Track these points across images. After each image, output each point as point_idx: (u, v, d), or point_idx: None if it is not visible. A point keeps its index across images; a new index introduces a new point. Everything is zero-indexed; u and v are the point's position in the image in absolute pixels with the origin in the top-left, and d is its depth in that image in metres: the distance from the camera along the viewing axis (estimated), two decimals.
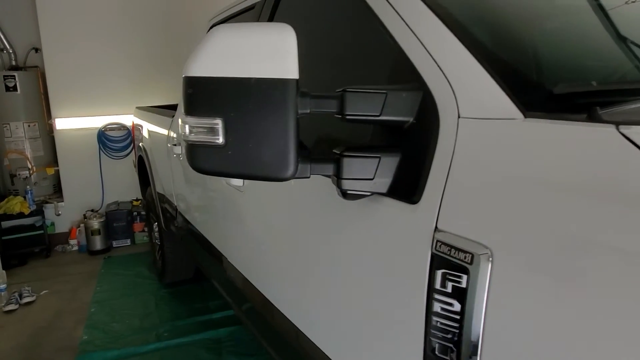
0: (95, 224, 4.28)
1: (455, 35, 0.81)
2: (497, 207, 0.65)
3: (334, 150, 0.83)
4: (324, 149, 1.12)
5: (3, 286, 3.33)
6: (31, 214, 4.16)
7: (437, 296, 0.72)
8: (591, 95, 0.78)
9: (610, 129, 0.57)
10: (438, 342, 0.73)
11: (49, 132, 4.60)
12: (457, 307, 0.69)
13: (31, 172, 4.46)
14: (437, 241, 0.72)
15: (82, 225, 4.38)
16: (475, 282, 0.65)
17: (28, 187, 4.29)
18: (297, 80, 0.74)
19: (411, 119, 0.81)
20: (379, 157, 0.81)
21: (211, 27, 2.16)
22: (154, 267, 3.75)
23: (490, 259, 0.64)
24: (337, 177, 0.81)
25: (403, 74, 0.87)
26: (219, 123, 0.74)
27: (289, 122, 0.74)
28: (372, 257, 0.89)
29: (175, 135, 2.49)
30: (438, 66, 0.80)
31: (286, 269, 1.30)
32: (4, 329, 2.96)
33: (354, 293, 0.96)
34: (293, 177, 0.77)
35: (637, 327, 0.48)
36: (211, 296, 3.24)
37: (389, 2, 0.95)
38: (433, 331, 0.73)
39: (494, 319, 0.64)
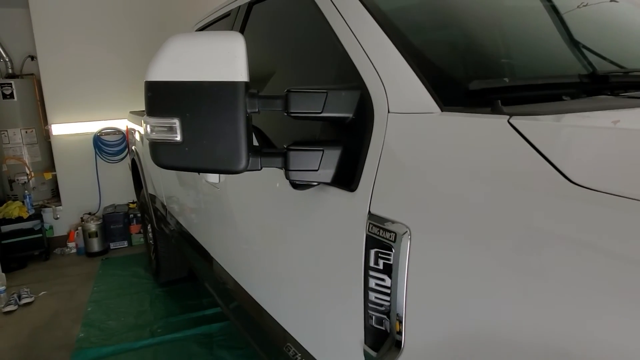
0: (93, 226, 4.38)
1: (389, 37, 0.90)
2: (415, 192, 0.74)
3: (284, 145, 0.92)
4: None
5: (2, 288, 3.41)
6: (30, 218, 4.25)
7: (372, 273, 0.81)
8: (512, 90, 0.87)
9: (502, 120, 0.66)
10: (375, 314, 0.82)
11: (46, 138, 4.69)
12: (388, 282, 0.78)
13: (29, 177, 4.56)
14: (370, 223, 0.81)
15: (80, 228, 4.46)
16: (398, 257, 0.74)
17: (26, 192, 4.39)
18: (246, 82, 0.82)
19: (351, 115, 0.89)
20: (322, 150, 0.89)
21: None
22: (149, 267, 3.85)
23: (410, 236, 0.72)
24: (286, 169, 0.90)
25: (349, 74, 0.96)
26: (176, 122, 0.83)
27: (239, 120, 0.83)
28: (322, 240, 0.98)
29: None
30: (374, 67, 0.89)
31: (256, 257, 1.39)
32: (3, 329, 3.05)
33: (309, 274, 1.05)
34: (245, 169, 0.85)
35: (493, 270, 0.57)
36: (204, 293, 3.32)
37: (336, 8, 1.04)
38: (370, 305, 0.82)
39: (414, 289, 0.73)
